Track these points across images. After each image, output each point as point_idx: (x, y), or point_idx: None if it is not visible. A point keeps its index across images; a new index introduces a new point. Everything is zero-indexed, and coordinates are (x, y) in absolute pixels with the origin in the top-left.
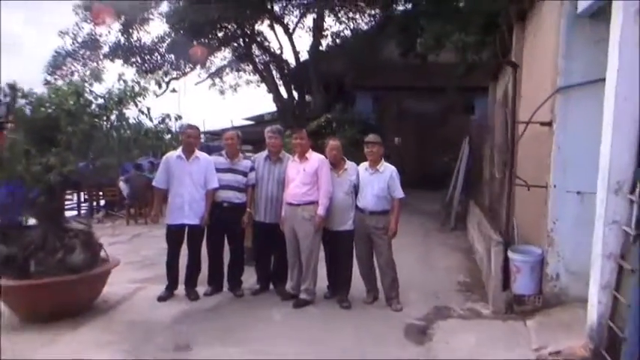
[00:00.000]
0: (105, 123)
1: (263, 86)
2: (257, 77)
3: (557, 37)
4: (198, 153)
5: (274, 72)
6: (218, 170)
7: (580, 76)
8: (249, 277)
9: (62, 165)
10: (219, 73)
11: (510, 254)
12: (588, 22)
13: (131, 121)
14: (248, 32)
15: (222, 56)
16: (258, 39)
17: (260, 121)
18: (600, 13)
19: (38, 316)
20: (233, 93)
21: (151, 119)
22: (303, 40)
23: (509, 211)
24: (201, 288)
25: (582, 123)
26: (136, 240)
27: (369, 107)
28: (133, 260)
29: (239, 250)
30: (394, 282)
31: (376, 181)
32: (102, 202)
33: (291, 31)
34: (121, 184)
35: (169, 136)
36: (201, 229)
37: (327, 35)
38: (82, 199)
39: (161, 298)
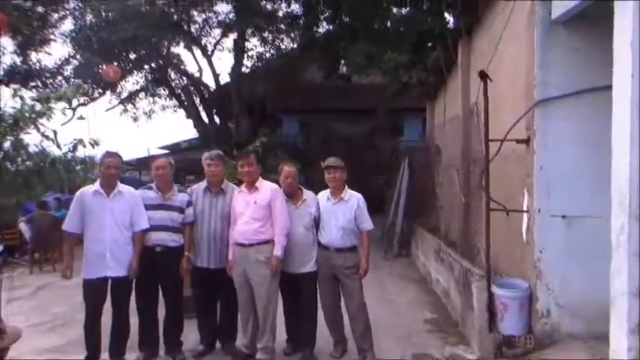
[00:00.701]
0: None
1: (180, 112)
2: (174, 102)
3: (530, 46)
4: (121, 187)
5: (193, 96)
6: (147, 207)
7: (558, 88)
8: (190, 334)
9: None
10: (131, 98)
11: (496, 290)
12: (563, 29)
13: (32, 149)
14: (163, 54)
15: (135, 80)
16: (175, 61)
17: (177, 149)
18: (575, 20)
19: None
20: (147, 120)
21: (58, 145)
22: (223, 63)
23: (488, 240)
24: (131, 355)
25: (565, 139)
26: (43, 293)
27: (295, 131)
28: (39, 322)
29: (177, 303)
30: (367, 330)
31: (341, 211)
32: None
33: (209, 52)
34: (22, 226)
35: (81, 166)
36: (128, 281)
37: (250, 56)
38: None
39: None
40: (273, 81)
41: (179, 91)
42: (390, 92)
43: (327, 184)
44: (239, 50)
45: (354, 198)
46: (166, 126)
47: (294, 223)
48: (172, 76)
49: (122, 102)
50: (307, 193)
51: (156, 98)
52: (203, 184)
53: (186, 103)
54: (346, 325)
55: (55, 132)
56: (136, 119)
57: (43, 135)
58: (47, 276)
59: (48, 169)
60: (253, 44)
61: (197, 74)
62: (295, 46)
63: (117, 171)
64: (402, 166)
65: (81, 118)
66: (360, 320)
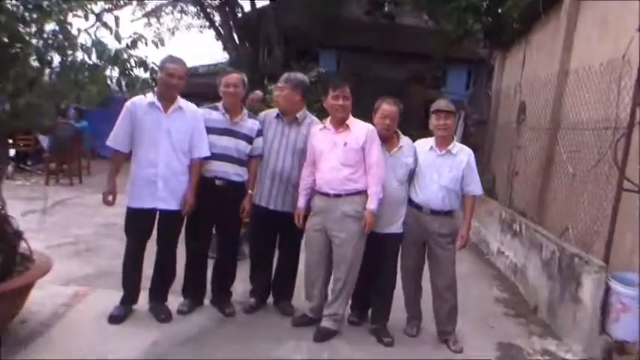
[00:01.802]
0: (36, 35)
1: (207, 32)
2: (201, 22)
3: None
4: (181, 102)
5: (228, 16)
6: (210, 131)
7: None
8: (237, 284)
9: None
10: (157, 11)
11: (617, 287)
12: None
13: (82, 38)
14: None
15: None
16: None
17: (195, 73)
18: None
19: None
20: (170, 37)
21: (118, 38)
22: None
23: (614, 226)
24: (173, 299)
25: None
26: (61, 209)
27: (332, 67)
28: (61, 243)
29: (232, 247)
30: (454, 311)
31: (446, 167)
32: (12, 153)
33: None
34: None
35: (140, 72)
36: (179, 216)
37: None
38: None
39: (115, 318)
40: (314, 12)
41: (210, 9)
42: (454, 36)
43: (434, 131)
44: None
45: (463, 152)
46: (186, 48)
47: (387, 174)
48: None
49: (147, 15)
50: (404, 140)
51: (182, 15)
52: (275, 110)
53: (217, 24)
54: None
55: (116, 17)
56: (158, 35)
57: (101, 21)
58: (64, 190)
59: (103, 67)
60: None
61: None
62: None
63: (180, 81)
64: (458, 121)
65: (105, 25)
66: (448, 299)
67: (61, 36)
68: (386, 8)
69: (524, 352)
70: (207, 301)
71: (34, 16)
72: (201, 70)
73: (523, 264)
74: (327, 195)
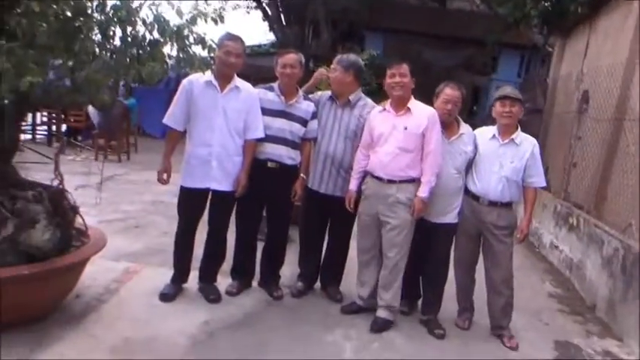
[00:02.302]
0: (98, 10)
1: (253, 14)
2: (248, 3)
3: None
4: (238, 81)
5: None
6: (265, 112)
7: None
8: (284, 267)
9: (19, 74)
10: None
11: None
12: None
13: (143, 13)
14: None
15: None
16: None
17: (257, 53)
18: None
19: None
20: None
21: (180, 13)
22: None
23: None
24: (221, 280)
25: None
26: (110, 185)
27: (378, 50)
28: (111, 218)
29: (282, 231)
30: (509, 306)
31: (508, 157)
32: (63, 128)
33: None
34: (90, 109)
35: (198, 50)
36: (232, 197)
37: None
38: (39, 121)
39: (166, 296)
40: None
41: None
42: (510, 21)
43: (497, 119)
44: None
45: (527, 142)
46: (232, 29)
47: (445, 162)
48: None
49: None
50: (464, 127)
51: None
52: (328, 92)
53: (265, 4)
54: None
55: None
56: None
57: None
58: (113, 166)
59: (163, 43)
60: None
61: None
62: None
63: (238, 60)
64: None
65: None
66: (504, 293)
67: (123, 10)
68: None
69: (583, 353)
70: (255, 283)
71: None
72: (247, 51)
73: (580, 259)
74: (380, 179)
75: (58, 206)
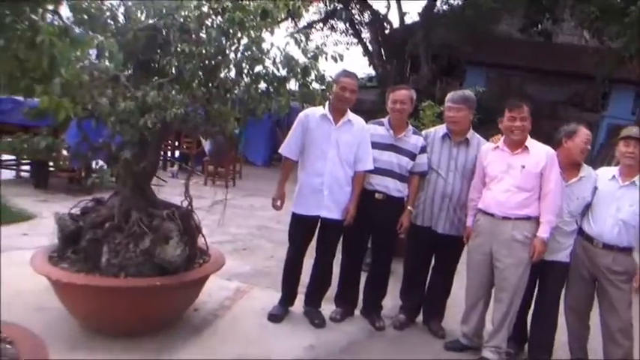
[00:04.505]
0: (234, 47)
1: (353, 49)
2: (348, 39)
3: None
4: (351, 115)
5: (377, 33)
6: (374, 146)
7: None
8: (386, 298)
9: (166, 106)
10: (308, 28)
11: None
12: None
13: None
14: None
15: (316, 9)
16: None
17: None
18: None
19: (104, 327)
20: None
21: (305, 52)
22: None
23: None
24: (325, 306)
25: None
26: (219, 209)
27: (480, 85)
28: (221, 240)
29: (386, 261)
30: (628, 358)
31: (627, 199)
32: (176, 154)
33: None
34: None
35: (318, 85)
36: (340, 226)
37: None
38: None
39: (274, 317)
40: (463, 28)
41: (359, 26)
42: (626, 55)
43: (620, 160)
44: None
45: None
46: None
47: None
48: (354, 10)
49: (299, 31)
50: (586, 170)
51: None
52: (441, 129)
53: (366, 40)
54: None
55: (307, 34)
56: (304, 51)
57: (292, 37)
58: (220, 191)
59: (288, 79)
60: None
61: (384, 10)
62: None
63: (352, 95)
64: None
65: (296, 40)
66: (622, 343)
67: (254, 49)
68: (542, 25)
69: None
70: (357, 311)
71: (236, 31)
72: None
73: None
74: (493, 216)
75: (187, 225)
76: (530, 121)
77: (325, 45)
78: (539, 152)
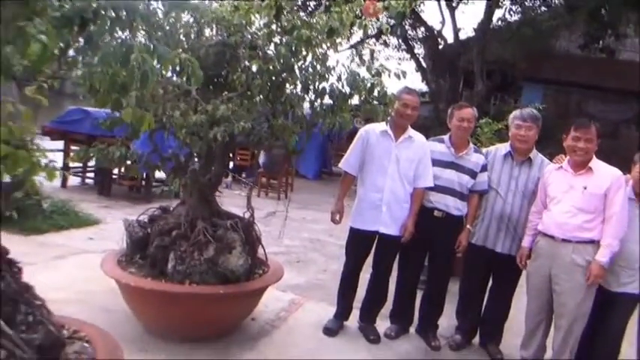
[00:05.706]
0: (300, 63)
1: (405, 64)
2: (400, 54)
3: None
4: (411, 131)
5: (431, 49)
6: (435, 163)
7: None
8: (442, 318)
9: (234, 119)
10: (362, 44)
11: None
12: None
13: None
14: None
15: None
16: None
17: None
18: None
19: (166, 331)
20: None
21: (369, 69)
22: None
23: None
24: (380, 322)
25: None
26: (272, 221)
27: (537, 102)
28: (276, 251)
29: (443, 280)
30: None
31: None
32: (231, 165)
33: (454, 3)
34: None
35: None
36: (398, 242)
37: (504, 8)
38: None
39: (329, 331)
40: (520, 44)
41: (412, 41)
42: None
43: None
44: (491, 5)
45: None
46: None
47: (631, 229)
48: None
49: (354, 46)
50: None
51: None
52: (503, 147)
53: (419, 56)
54: None
55: (372, 51)
56: (369, 69)
57: (358, 55)
58: (273, 203)
59: (351, 95)
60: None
61: (439, 25)
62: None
63: (414, 112)
64: None
65: (361, 58)
66: None
67: (320, 66)
68: (604, 42)
69: None
70: (412, 329)
71: (302, 48)
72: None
73: None
74: (553, 238)
75: (249, 236)
76: (597, 143)
77: (377, 60)
78: (604, 174)
